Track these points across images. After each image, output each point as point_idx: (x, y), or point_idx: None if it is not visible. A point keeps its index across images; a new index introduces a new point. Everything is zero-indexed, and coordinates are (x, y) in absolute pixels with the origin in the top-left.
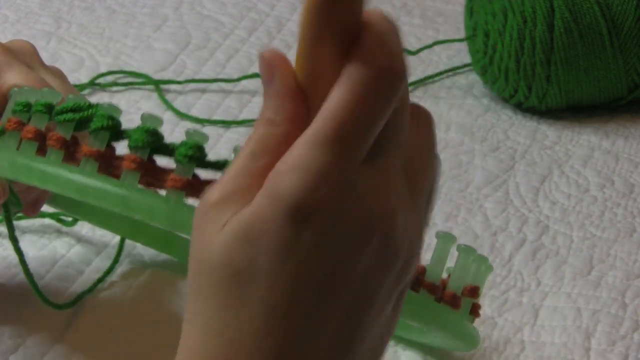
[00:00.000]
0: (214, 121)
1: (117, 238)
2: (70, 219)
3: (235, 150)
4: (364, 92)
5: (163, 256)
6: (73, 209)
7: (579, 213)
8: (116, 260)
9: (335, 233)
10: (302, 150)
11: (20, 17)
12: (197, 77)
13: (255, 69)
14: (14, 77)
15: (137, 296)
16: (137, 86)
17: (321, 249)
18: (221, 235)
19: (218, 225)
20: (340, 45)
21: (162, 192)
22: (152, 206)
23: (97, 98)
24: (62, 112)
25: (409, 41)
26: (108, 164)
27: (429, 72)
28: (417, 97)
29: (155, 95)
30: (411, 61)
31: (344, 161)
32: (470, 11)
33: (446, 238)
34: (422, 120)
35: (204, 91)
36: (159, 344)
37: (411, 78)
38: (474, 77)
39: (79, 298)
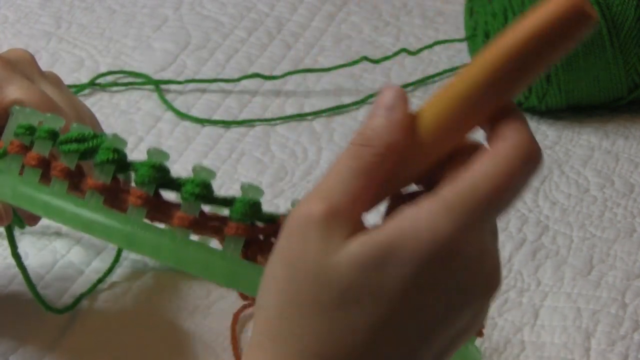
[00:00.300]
0: (214, 121)
1: None
2: None
3: (293, 204)
4: (512, 172)
5: None
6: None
7: (579, 213)
8: (115, 262)
9: (463, 281)
10: (461, 197)
11: (20, 17)
12: (197, 77)
13: (255, 69)
14: (15, 91)
15: (137, 298)
16: (137, 86)
17: (448, 295)
18: (344, 256)
19: (330, 243)
20: (487, 115)
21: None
22: (157, 244)
23: (97, 98)
24: (66, 142)
25: (409, 41)
26: (114, 197)
27: (429, 72)
28: (417, 97)
29: (155, 95)
30: (411, 61)
31: (490, 218)
32: (470, 11)
33: None
34: None
35: (204, 91)
36: (159, 346)
37: (411, 78)
38: None
39: (78, 300)
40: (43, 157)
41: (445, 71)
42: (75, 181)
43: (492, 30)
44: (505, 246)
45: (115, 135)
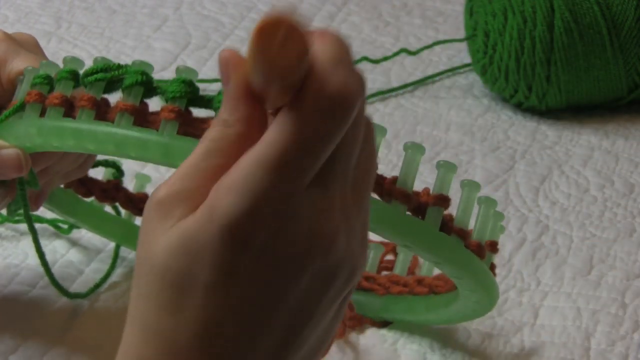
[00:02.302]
0: None
1: None
2: (66, 225)
3: (177, 70)
4: (314, 122)
5: None
6: (70, 211)
7: (578, 213)
8: (113, 266)
9: (273, 257)
10: (244, 172)
11: (20, 17)
12: (197, 77)
13: None
14: (22, 62)
15: None
16: None
17: (259, 272)
18: (165, 240)
19: (163, 226)
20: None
21: None
22: None
23: None
24: (92, 73)
25: (409, 41)
26: (143, 119)
27: (429, 72)
28: (417, 97)
29: None
30: (411, 61)
31: (285, 186)
32: (470, 11)
33: (472, 186)
34: (366, 129)
35: (204, 91)
36: None
37: (411, 78)
38: (474, 77)
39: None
40: (66, 96)
41: (445, 71)
42: (102, 111)
43: (492, 30)
44: (505, 246)
45: (141, 61)
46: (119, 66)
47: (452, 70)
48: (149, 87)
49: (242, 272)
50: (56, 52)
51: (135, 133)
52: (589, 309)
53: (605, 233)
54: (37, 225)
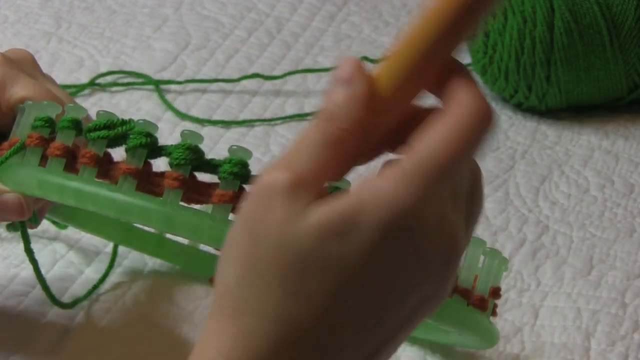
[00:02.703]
0: (214, 121)
1: None
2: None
3: (230, 150)
4: (475, 132)
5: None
6: (68, 217)
7: (579, 213)
8: (110, 266)
9: (420, 254)
10: (418, 164)
11: (20, 17)
12: (197, 77)
13: (255, 69)
14: (22, 89)
15: (136, 298)
16: (137, 86)
17: (404, 265)
18: (306, 224)
19: (295, 209)
20: (434, 75)
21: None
22: (198, 224)
23: (97, 98)
24: (94, 129)
25: None
26: (146, 182)
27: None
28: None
29: (155, 95)
30: None
31: (447, 188)
32: None
33: (477, 243)
34: (476, 167)
35: (204, 91)
36: (159, 346)
37: None
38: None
39: (77, 301)
40: (68, 146)
41: None
42: (104, 168)
43: (492, 30)
44: (505, 246)
45: (145, 121)
46: (123, 122)
47: None
48: (153, 148)
49: (391, 261)
50: (56, 52)
51: (138, 201)
52: (589, 309)
53: (605, 233)
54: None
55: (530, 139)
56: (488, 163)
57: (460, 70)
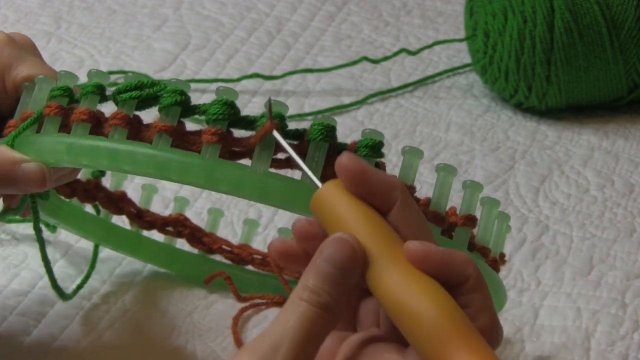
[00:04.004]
0: None
1: None
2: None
3: (217, 91)
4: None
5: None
6: (52, 212)
7: (579, 213)
8: (92, 266)
9: None
10: None
11: (20, 17)
12: (197, 77)
13: (255, 69)
14: (28, 68)
15: (136, 298)
16: None
17: None
18: None
19: None
20: None
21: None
22: (240, 176)
23: None
24: (125, 90)
25: (409, 41)
26: (181, 140)
27: (429, 72)
28: (417, 97)
29: None
30: (411, 61)
31: None
32: (470, 11)
33: (492, 203)
34: None
35: (204, 91)
36: (159, 346)
37: (411, 78)
38: (474, 77)
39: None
40: (93, 111)
41: (445, 71)
42: (134, 129)
43: (492, 30)
44: (506, 246)
45: (178, 80)
46: (153, 83)
47: (452, 70)
48: (186, 106)
49: None
50: (56, 52)
51: (178, 156)
52: (589, 309)
53: (605, 233)
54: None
55: (530, 139)
56: (488, 163)
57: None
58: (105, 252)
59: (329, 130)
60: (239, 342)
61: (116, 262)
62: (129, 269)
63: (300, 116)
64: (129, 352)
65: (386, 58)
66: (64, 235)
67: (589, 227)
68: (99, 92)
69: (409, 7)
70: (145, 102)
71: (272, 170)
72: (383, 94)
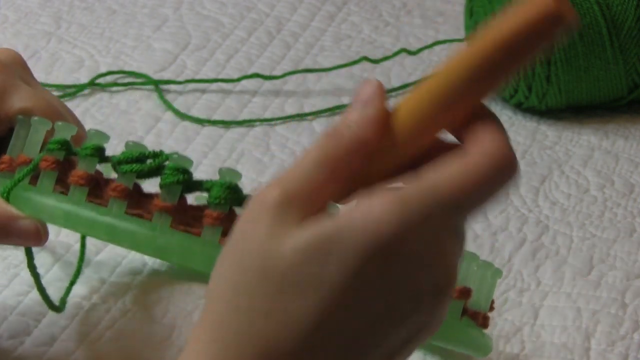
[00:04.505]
0: (214, 121)
1: None
2: None
3: (220, 172)
4: (482, 185)
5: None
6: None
7: (579, 213)
8: (81, 259)
9: (409, 281)
10: (404, 203)
11: (20, 17)
12: (197, 77)
13: (255, 69)
14: (21, 100)
15: (136, 298)
16: (137, 86)
17: (391, 292)
18: (289, 242)
19: (281, 226)
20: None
21: None
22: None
23: (97, 98)
24: (125, 162)
25: (409, 41)
26: (181, 217)
27: (429, 72)
28: None
29: (155, 95)
30: (411, 61)
31: (454, 218)
32: (470, 11)
33: (469, 257)
34: None
35: (204, 91)
36: (158, 346)
37: (411, 78)
38: None
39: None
40: (91, 174)
41: None
42: (134, 201)
43: None
44: (505, 246)
45: (179, 155)
46: (155, 154)
47: None
48: (188, 184)
49: (375, 287)
50: (56, 52)
51: (178, 240)
52: (589, 309)
53: (605, 233)
54: None
55: (530, 139)
56: None
57: (488, 117)
58: (105, 251)
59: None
60: None
61: (116, 262)
62: (129, 269)
63: (300, 116)
64: (129, 352)
65: (386, 58)
66: (64, 234)
67: (589, 227)
68: (97, 154)
69: (409, 7)
70: (146, 174)
71: None
72: None
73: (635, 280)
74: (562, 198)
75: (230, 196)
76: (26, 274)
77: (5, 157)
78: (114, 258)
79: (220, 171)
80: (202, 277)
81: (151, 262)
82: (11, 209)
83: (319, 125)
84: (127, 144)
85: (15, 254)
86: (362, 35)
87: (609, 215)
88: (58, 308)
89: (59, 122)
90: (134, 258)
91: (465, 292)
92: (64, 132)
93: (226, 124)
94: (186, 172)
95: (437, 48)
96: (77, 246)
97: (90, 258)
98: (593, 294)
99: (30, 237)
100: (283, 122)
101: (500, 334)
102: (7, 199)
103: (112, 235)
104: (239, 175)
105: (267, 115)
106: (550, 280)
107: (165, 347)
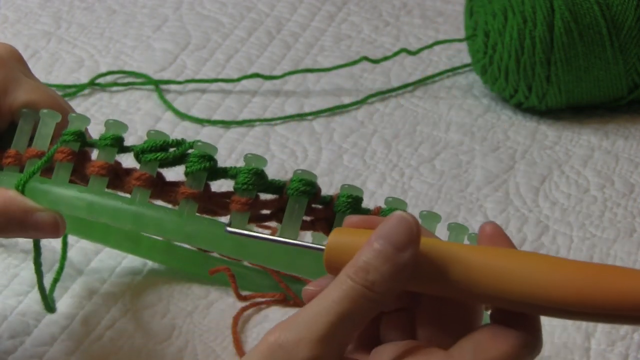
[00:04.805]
0: (214, 121)
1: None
2: None
3: (246, 158)
4: None
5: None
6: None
7: (579, 213)
8: (64, 257)
9: None
10: None
11: (20, 17)
12: (197, 77)
13: (255, 69)
14: (25, 94)
15: (136, 298)
16: (137, 86)
17: None
18: None
19: None
20: None
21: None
22: (270, 249)
23: (97, 98)
24: (149, 150)
25: (409, 41)
26: (207, 203)
27: (429, 72)
28: (417, 97)
29: (155, 95)
30: (411, 61)
31: None
32: (470, 11)
33: (460, 229)
34: None
35: (204, 91)
36: (159, 346)
37: (411, 78)
38: (474, 77)
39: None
40: (111, 164)
41: (445, 71)
42: (157, 190)
43: (492, 30)
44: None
45: (204, 142)
46: (177, 142)
47: (452, 70)
48: (213, 171)
49: None
50: (56, 52)
51: (206, 226)
52: None
53: (605, 233)
54: None
55: (530, 139)
56: (488, 163)
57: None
58: (105, 252)
59: (308, 185)
60: (238, 343)
61: (116, 262)
62: (128, 269)
63: (300, 116)
64: (129, 352)
65: (386, 58)
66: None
67: (589, 227)
68: (117, 144)
69: (409, 7)
70: (169, 163)
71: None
72: (383, 94)
73: None
74: (562, 198)
75: (256, 182)
76: (26, 274)
77: (11, 150)
78: (114, 258)
79: (246, 157)
80: (202, 278)
81: (151, 262)
82: (28, 202)
83: (319, 125)
84: (149, 133)
85: (15, 254)
86: (362, 35)
87: (609, 215)
88: (52, 309)
89: (72, 114)
90: (133, 258)
91: None
92: (79, 123)
93: (226, 124)
94: (211, 159)
95: (437, 48)
96: (77, 248)
97: (90, 258)
98: None
99: (48, 229)
100: (283, 122)
101: None
102: (22, 192)
103: (138, 224)
104: (264, 161)
105: (267, 115)
106: None
107: (165, 347)
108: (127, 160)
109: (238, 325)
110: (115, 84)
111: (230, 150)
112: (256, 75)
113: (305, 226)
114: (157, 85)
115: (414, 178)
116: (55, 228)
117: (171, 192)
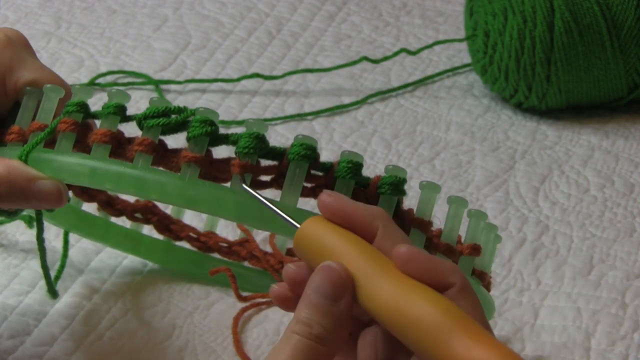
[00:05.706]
0: None
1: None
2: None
3: (247, 123)
4: None
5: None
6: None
7: (579, 213)
8: (65, 256)
9: None
10: None
11: (20, 17)
12: (197, 77)
13: (255, 69)
14: (29, 72)
15: (136, 298)
16: (137, 86)
17: None
18: None
19: None
20: None
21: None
22: (271, 214)
23: (97, 98)
24: (151, 116)
25: (409, 41)
26: (209, 169)
27: (429, 72)
28: (417, 97)
29: (155, 95)
30: (411, 61)
31: None
32: (470, 11)
33: (489, 228)
34: None
35: (204, 91)
36: (159, 346)
37: (411, 78)
38: (474, 77)
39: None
40: (114, 132)
41: (445, 71)
42: (159, 155)
43: (492, 30)
44: (505, 246)
45: (205, 108)
46: (179, 109)
47: (452, 70)
48: (215, 136)
49: None
50: (56, 52)
51: (208, 190)
52: (589, 309)
53: (605, 233)
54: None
55: (530, 139)
56: (488, 163)
57: None
58: (105, 251)
59: (309, 149)
60: (238, 343)
61: (116, 262)
62: (129, 269)
63: (300, 116)
64: (129, 352)
65: (386, 58)
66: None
67: (589, 227)
68: (120, 112)
69: (409, 7)
70: (172, 129)
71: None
72: (383, 94)
73: (635, 280)
74: (562, 198)
75: (257, 146)
76: (26, 273)
77: (15, 127)
78: (114, 258)
79: (247, 122)
80: (202, 278)
81: (151, 263)
82: (31, 170)
83: (319, 125)
84: (151, 100)
85: (15, 254)
86: (362, 35)
87: (609, 215)
88: (55, 293)
89: (76, 85)
90: (133, 258)
91: (476, 249)
92: (82, 95)
93: (226, 123)
94: (213, 124)
95: (437, 48)
96: (77, 247)
97: (90, 258)
98: (593, 294)
99: (51, 198)
100: (283, 122)
101: (500, 334)
102: (26, 162)
103: (140, 188)
104: (265, 126)
105: (267, 115)
106: (550, 280)
107: (165, 347)
108: (130, 133)
109: (238, 326)
110: (115, 84)
111: (230, 151)
112: (256, 75)
113: (306, 193)
114: (157, 85)
115: (414, 178)
116: (58, 196)
117: (173, 158)
